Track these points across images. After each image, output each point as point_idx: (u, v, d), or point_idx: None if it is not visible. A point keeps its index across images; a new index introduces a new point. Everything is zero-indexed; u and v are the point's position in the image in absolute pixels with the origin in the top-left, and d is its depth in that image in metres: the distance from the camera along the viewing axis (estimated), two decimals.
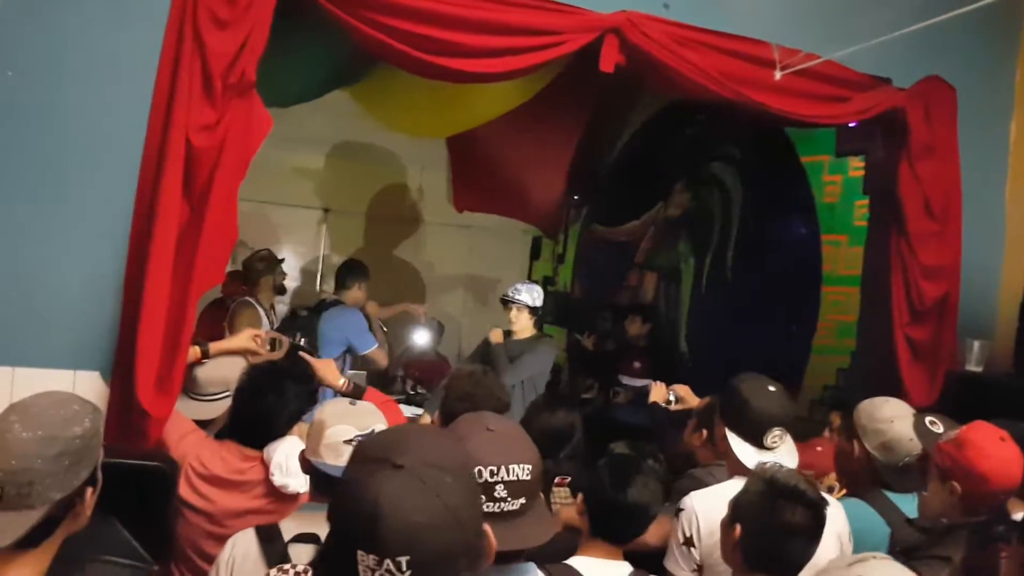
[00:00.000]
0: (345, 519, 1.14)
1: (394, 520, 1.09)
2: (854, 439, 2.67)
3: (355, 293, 5.19)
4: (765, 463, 2.05)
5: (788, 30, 3.41)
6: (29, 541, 1.47)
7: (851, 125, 3.87)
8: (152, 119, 2.68)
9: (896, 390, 3.44)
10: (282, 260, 5.66)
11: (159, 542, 2.27)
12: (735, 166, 5.78)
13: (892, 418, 2.59)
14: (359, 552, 1.10)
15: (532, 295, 4.59)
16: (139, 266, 2.63)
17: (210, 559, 2.16)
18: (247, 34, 2.71)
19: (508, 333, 4.67)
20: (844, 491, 2.99)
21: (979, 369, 3.61)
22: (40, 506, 1.46)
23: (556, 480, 2.96)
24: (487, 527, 1.25)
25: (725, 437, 2.49)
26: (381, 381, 5.87)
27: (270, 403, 2.46)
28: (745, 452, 2.42)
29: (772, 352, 4.94)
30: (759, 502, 1.91)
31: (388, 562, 1.08)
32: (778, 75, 3.25)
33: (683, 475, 2.84)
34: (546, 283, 7.30)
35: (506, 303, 4.63)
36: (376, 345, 4.98)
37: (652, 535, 2.26)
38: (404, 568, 1.08)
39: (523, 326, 4.61)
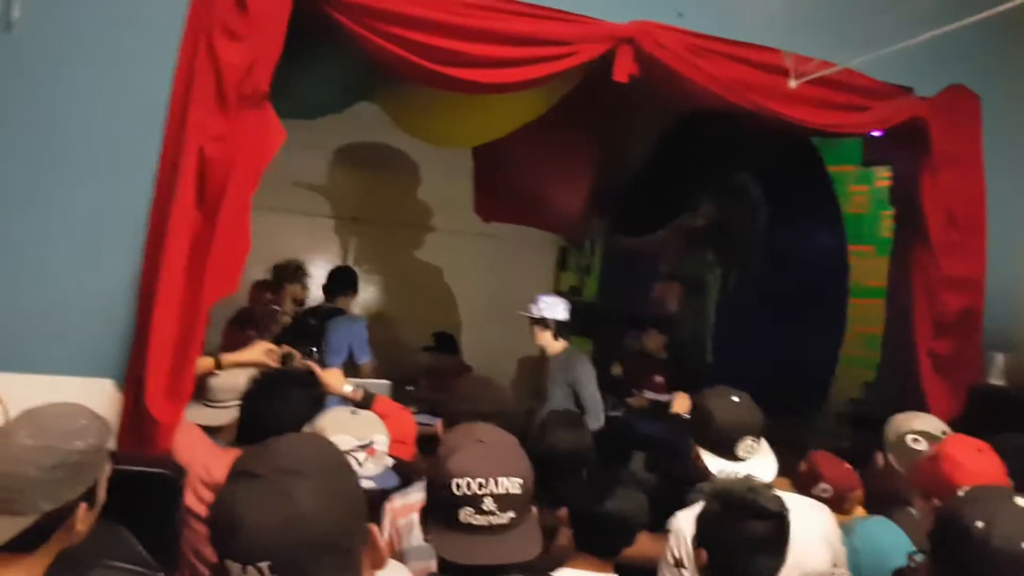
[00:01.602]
0: (212, 531, 1.18)
1: (249, 527, 1.11)
2: (879, 453, 2.63)
3: (349, 300, 5.36)
4: (721, 473, 2.01)
5: (805, 38, 3.37)
6: (21, 546, 1.48)
7: (876, 134, 3.81)
8: (168, 130, 2.72)
9: (919, 404, 3.37)
10: (308, 274, 5.74)
11: (165, 549, 2.30)
12: (761, 176, 5.73)
13: (920, 434, 2.54)
14: (226, 561, 1.13)
15: (538, 306, 4.54)
16: (152, 274, 2.66)
17: (215, 566, 2.17)
18: (260, 47, 2.74)
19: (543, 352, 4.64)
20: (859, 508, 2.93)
21: (1003, 383, 3.52)
22: (28, 514, 1.47)
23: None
24: (372, 526, 1.26)
25: (699, 456, 2.46)
26: (405, 389, 5.91)
27: (275, 409, 2.49)
28: (718, 466, 2.39)
29: (798, 364, 4.88)
30: (717, 523, 1.87)
31: (251, 568, 1.11)
32: (793, 83, 3.21)
33: (694, 489, 2.81)
34: (573, 293, 7.27)
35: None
36: (370, 358, 5.11)
37: (638, 550, 2.21)
38: (267, 572, 1.10)
39: (543, 342, 4.57)
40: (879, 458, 2.64)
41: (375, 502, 2.37)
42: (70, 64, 2.67)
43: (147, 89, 2.71)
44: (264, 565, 1.10)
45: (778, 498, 1.89)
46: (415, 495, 2.31)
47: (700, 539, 1.91)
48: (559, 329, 4.51)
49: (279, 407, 2.53)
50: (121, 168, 2.72)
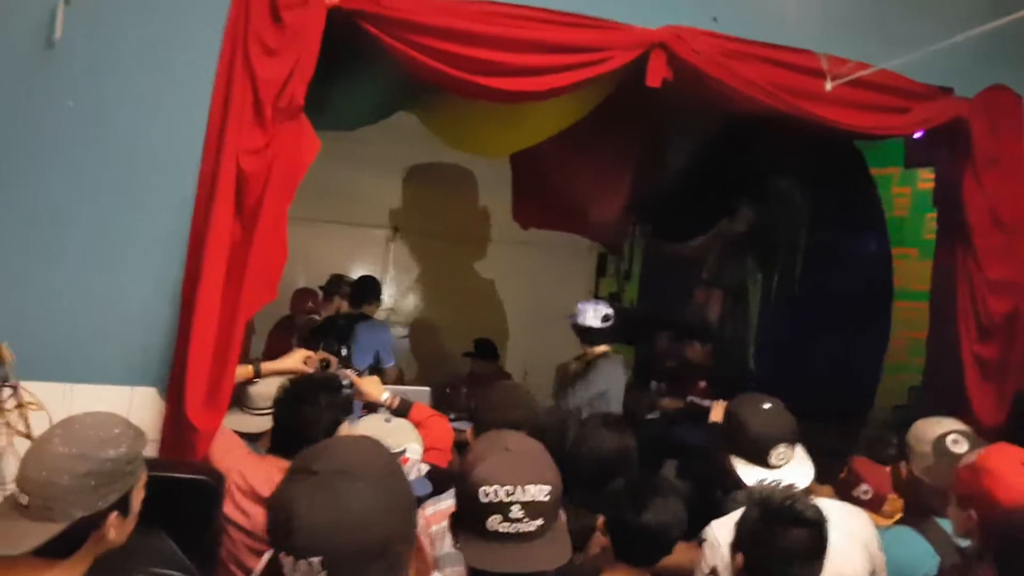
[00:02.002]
0: (270, 524, 1.24)
1: (303, 522, 1.16)
2: (903, 461, 2.58)
3: (373, 308, 5.54)
4: (762, 483, 2.00)
5: (843, 40, 3.33)
6: (55, 552, 1.52)
7: (918, 136, 3.75)
8: (207, 143, 2.77)
9: (964, 409, 3.30)
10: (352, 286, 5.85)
11: (205, 555, 2.34)
12: (802, 179, 5.65)
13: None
14: (280, 554, 1.17)
15: (575, 313, 4.56)
16: (193, 285, 2.71)
17: (250, 571, 2.21)
18: (295, 61, 2.79)
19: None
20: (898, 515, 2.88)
21: None
22: (61, 520, 1.51)
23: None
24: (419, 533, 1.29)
25: (732, 465, 2.44)
26: (443, 397, 5.95)
27: (305, 414, 2.54)
28: (751, 475, 2.37)
29: (843, 371, 4.80)
30: (755, 528, 1.87)
31: (303, 562, 1.15)
32: (829, 86, 3.17)
33: (728, 498, 2.78)
34: (612, 300, 7.24)
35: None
36: (393, 363, 5.32)
37: (676, 559, 2.21)
38: (319, 568, 1.14)
39: (585, 348, 4.60)
40: (901, 467, 2.59)
41: None
42: (111, 81, 2.74)
43: (187, 104, 2.77)
44: (316, 560, 1.14)
45: (816, 507, 1.89)
46: (448, 502, 2.32)
47: (738, 545, 1.91)
48: (592, 336, 4.54)
49: (309, 413, 2.59)
50: (162, 181, 2.79)
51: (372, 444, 1.34)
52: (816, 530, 1.84)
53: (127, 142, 2.76)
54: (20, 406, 2.46)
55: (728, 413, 2.53)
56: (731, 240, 6.33)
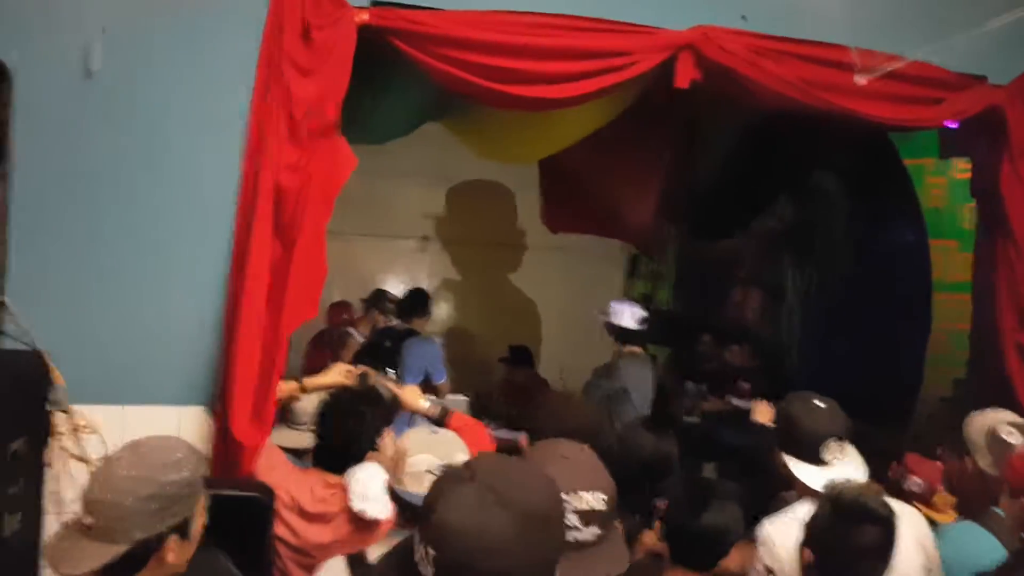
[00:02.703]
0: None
1: (439, 517, 1.16)
2: (965, 455, 2.55)
3: (423, 322, 5.53)
4: (833, 481, 2.00)
5: (871, 32, 3.29)
6: (115, 573, 1.55)
7: (952, 126, 3.71)
8: (245, 165, 2.81)
9: (1010, 401, 3.25)
10: (392, 301, 5.88)
11: (258, 571, 2.37)
12: (837, 174, 5.61)
13: None
14: (417, 528, 1.20)
15: (608, 312, 4.61)
16: (236, 303, 2.75)
17: None
18: (328, 79, 2.82)
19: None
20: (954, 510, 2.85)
21: None
22: (122, 542, 1.54)
23: (656, 503, 2.92)
24: None
25: (785, 464, 2.43)
26: (480, 403, 5.96)
27: (348, 427, 2.57)
28: (807, 473, 2.37)
29: (886, 366, 4.75)
30: (826, 525, 1.87)
31: (425, 547, 1.16)
32: (860, 79, 3.14)
33: (776, 498, 2.77)
34: (644, 301, 7.22)
35: None
36: (445, 378, 5.27)
37: (732, 561, 2.21)
38: (431, 562, 1.14)
39: (617, 347, 4.64)
40: (968, 462, 2.56)
41: None
42: (150, 108, 2.78)
43: (224, 126, 2.81)
44: (432, 553, 1.14)
45: (887, 503, 1.90)
46: None
47: (807, 541, 1.91)
48: (625, 336, 4.58)
49: (351, 426, 2.61)
50: (203, 203, 2.83)
51: (550, 488, 1.28)
52: (887, 526, 1.84)
53: (167, 167, 2.81)
54: (75, 430, 2.51)
55: (780, 411, 2.52)
56: (767, 238, 6.29)
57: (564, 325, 7.54)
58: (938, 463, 3.14)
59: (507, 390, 6.52)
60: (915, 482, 2.98)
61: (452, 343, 7.66)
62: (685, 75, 3.12)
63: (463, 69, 2.97)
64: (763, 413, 3.65)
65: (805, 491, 2.33)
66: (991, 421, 2.49)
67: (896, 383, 4.79)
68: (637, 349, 4.66)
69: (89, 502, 1.57)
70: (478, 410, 5.81)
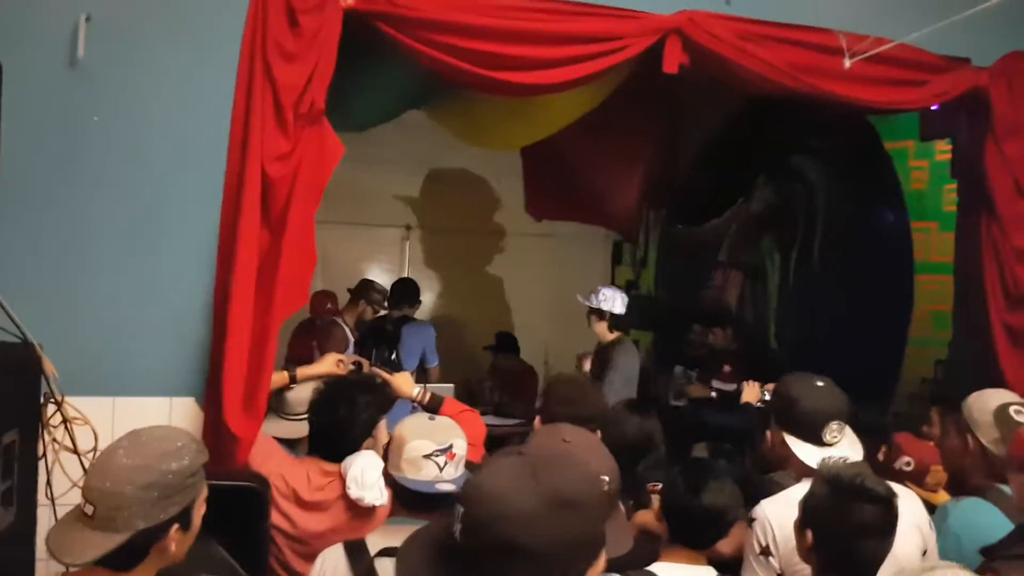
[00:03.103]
0: None
1: (478, 477, 1.23)
2: (967, 434, 2.58)
3: (413, 310, 5.75)
4: (828, 459, 2.01)
5: (856, 15, 3.33)
6: (119, 563, 1.55)
7: (934, 108, 3.74)
8: (231, 153, 2.79)
9: (996, 380, 3.29)
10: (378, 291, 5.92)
11: (255, 561, 2.36)
12: (817, 158, 5.65)
13: None
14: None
15: (597, 297, 4.70)
16: (225, 293, 2.74)
17: None
18: (314, 65, 2.80)
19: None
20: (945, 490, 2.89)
21: None
22: (124, 531, 1.52)
23: (649, 487, 2.94)
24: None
25: (783, 442, 2.45)
26: (468, 391, 5.98)
27: (342, 415, 2.56)
28: (806, 452, 2.38)
29: (866, 346, 4.80)
30: (826, 505, 1.87)
31: (458, 505, 1.21)
32: (847, 63, 3.16)
33: (766, 479, 2.79)
34: (629, 287, 7.25)
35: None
36: (438, 363, 5.51)
37: (730, 541, 2.23)
38: (459, 519, 1.19)
39: (598, 331, 4.77)
40: (970, 440, 2.59)
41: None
42: (135, 95, 2.76)
43: (209, 114, 2.78)
44: (460, 509, 1.19)
45: (885, 483, 1.90)
46: None
47: (806, 522, 1.91)
48: (613, 321, 4.69)
49: (346, 413, 2.60)
50: (189, 192, 2.81)
51: (590, 481, 1.31)
52: (887, 506, 1.84)
53: (152, 155, 2.79)
54: (65, 421, 2.48)
55: (780, 390, 2.53)
56: (747, 221, 6.33)
57: (549, 312, 7.55)
58: (930, 443, 3.19)
59: (495, 377, 6.55)
60: (906, 461, 3.02)
61: (437, 332, 7.66)
62: (673, 60, 3.13)
63: (451, 55, 2.96)
64: (752, 393, 3.69)
65: (803, 471, 2.34)
66: (997, 401, 2.53)
67: (877, 364, 4.85)
68: (619, 334, 4.78)
69: (89, 490, 1.56)
70: (466, 397, 5.83)
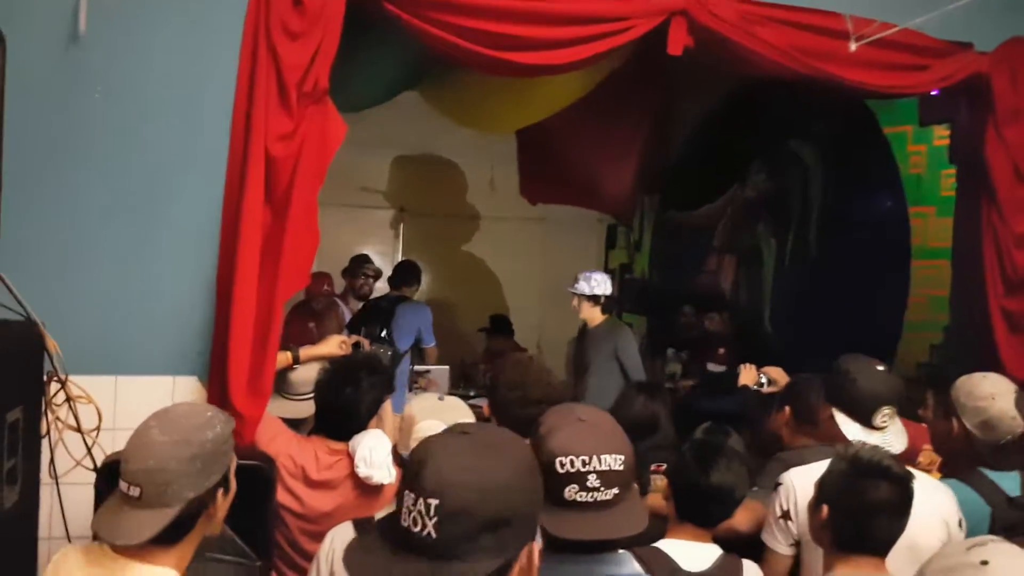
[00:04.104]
0: (406, 469, 1.25)
1: (438, 464, 1.16)
2: (952, 417, 2.60)
3: (413, 291, 5.77)
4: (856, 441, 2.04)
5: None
6: (168, 538, 1.61)
7: (934, 93, 3.75)
8: (234, 132, 2.76)
9: (993, 365, 3.31)
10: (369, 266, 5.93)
11: (261, 539, 2.36)
12: (814, 141, 5.65)
13: (993, 395, 2.52)
14: (405, 492, 1.17)
15: (590, 283, 4.75)
16: (228, 273, 2.72)
17: (308, 555, 2.24)
18: (318, 43, 2.77)
19: (584, 325, 4.91)
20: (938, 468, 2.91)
21: None
22: (175, 504, 1.59)
23: (652, 467, 2.96)
24: (534, 545, 1.24)
25: (831, 418, 2.47)
26: (464, 374, 5.99)
27: (348, 395, 2.57)
28: (853, 431, 2.42)
29: (862, 331, 4.82)
30: (842, 481, 1.90)
31: (421, 501, 1.14)
32: (853, 46, 3.16)
33: (772, 458, 2.81)
34: (623, 271, 7.26)
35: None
36: (434, 343, 5.51)
37: (740, 520, 2.25)
38: (432, 512, 1.13)
39: (589, 316, 4.81)
40: (954, 424, 2.61)
41: None
42: (136, 71, 2.73)
43: (212, 92, 2.75)
44: (434, 503, 1.13)
45: (903, 465, 1.92)
46: None
47: (822, 498, 1.93)
48: (610, 304, 4.82)
49: (352, 394, 2.61)
50: (191, 170, 2.78)
51: (528, 447, 1.36)
52: (903, 486, 1.86)
53: (155, 132, 2.75)
54: (69, 400, 2.47)
55: (839, 368, 2.54)
56: (742, 205, 6.34)
57: (542, 295, 7.57)
58: (923, 425, 3.21)
59: (489, 360, 6.56)
60: None
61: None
62: (677, 41, 3.11)
63: (455, 34, 2.94)
64: (748, 376, 3.71)
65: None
66: (985, 385, 2.55)
67: (872, 348, 4.87)
68: (607, 316, 4.89)
69: (132, 473, 1.60)
70: (460, 379, 5.85)
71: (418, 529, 1.13)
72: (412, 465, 1.21)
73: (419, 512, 1.14)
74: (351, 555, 1.26)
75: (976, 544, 1.32)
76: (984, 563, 1.24)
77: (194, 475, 1.61)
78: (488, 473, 1.17)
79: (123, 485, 1.61)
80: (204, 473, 1.63)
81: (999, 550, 1.30)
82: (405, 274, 5.78)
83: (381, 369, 2.77)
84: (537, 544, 1.23)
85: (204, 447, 1.64)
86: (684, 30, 3.13)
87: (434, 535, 1.12)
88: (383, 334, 4.99)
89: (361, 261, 5.99)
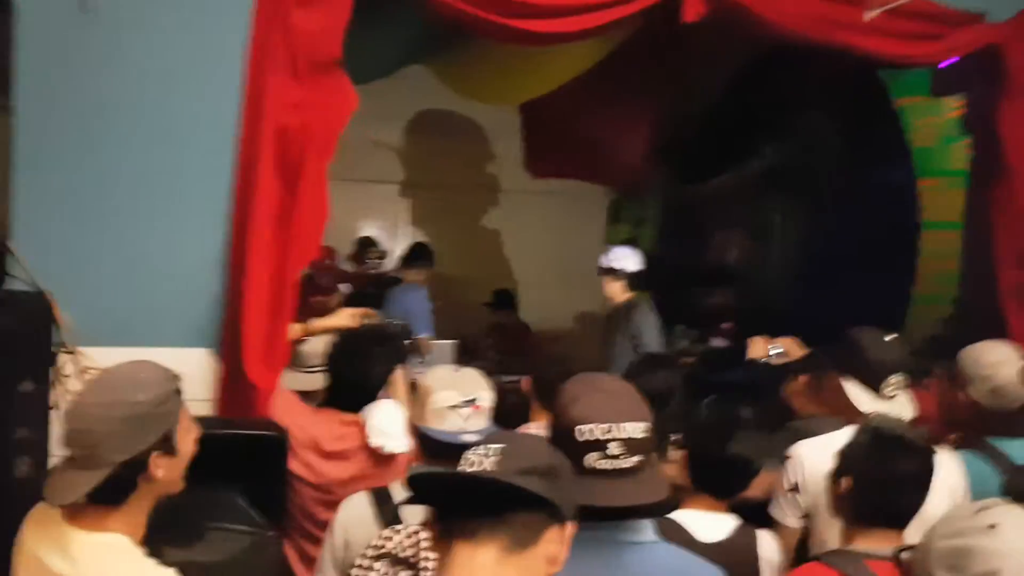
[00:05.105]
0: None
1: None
2: (959, 387, 2.61)
3: (416, 274, 5.55)
4: (876, 412, 2.03)
5: None
6: (109, 498, 1.59)
7: (945, 64, 3.71)
8: (245, 102, 2.74)
9: (1002, 336, 3.31)
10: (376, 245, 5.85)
11: (274, 509, 2.36)
12: (825, 113, 5.60)
13: (999, 362, 2.54)
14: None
15: (610, 257, 4.69)
16: (240, 244, 2.72)
17: (323, 524, 2.24)
18: (331, 12, 2.74)
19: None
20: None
21: None
22: (104, 466, 1.55)
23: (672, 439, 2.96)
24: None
25: (840, 387, 2.47)
26: (466, 347, 5.97)
27: (358, 367, 2.58)
28: (863, 400, 2.41)
29: (870, 303, 4.80)
30: (866, 453, 1.89)
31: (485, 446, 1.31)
32: (868, 15, 3.13)
33: (781, 429, 2.81)
34: (629, 245, 7.23)
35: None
36: (428, 334, 5.20)
37: (756, 488, 2.25)
38: (491, 455, 1.28)
39: (610, 292, 4.72)
40: (961, 395, 2.62)
41: None
42: (147, 42, 2.70)
43: (223, 61, 2.73)
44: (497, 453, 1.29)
45: (925, 438, 1.93)
46: None
47: (844, 469, 1.92)
48: (630, 280, 4.65)
49: (362, 366, 2.61)
50: (203, 143, 2.76)
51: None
52: (926, 459, 1.87)
53: (166, 103, 2.72)
54: (81, 372, 2.46)
55: (849, 338, 2.55)
56: (752, 179, 6.30)
57: (546, 269, 7.55)
58: (933, 397, 3.21)
59: (492, 335, 6.55)
60: None
61: (433, 288, 7.64)
62: (692, 8, 3.07)
63: (467, 2, 2.90)
64: (758, 349, 3.70)
65: (854, 419, 2.32)
66: (994, 355, 2.55)
67: (881, 320, 4.86)
68: (631, 294, 4.76)
69: (65, 434, 1.60)
70: (464, 354, 5.84)
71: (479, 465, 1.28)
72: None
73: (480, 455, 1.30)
74: None
75: (983, 508, 1.32)
76: (992, 527, 1.24)
77: (122, 438, 1.57)
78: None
79: (62, 445, 1.62)
80: (135, 436, 1.58)
81: (1006, 513, 1.29)
82: (410, 255, 5.67)
83: (390, 340, 2.77)
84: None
85: (134, 408, 1.58)
86: None
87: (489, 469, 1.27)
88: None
89: (366, 244, 5.91)
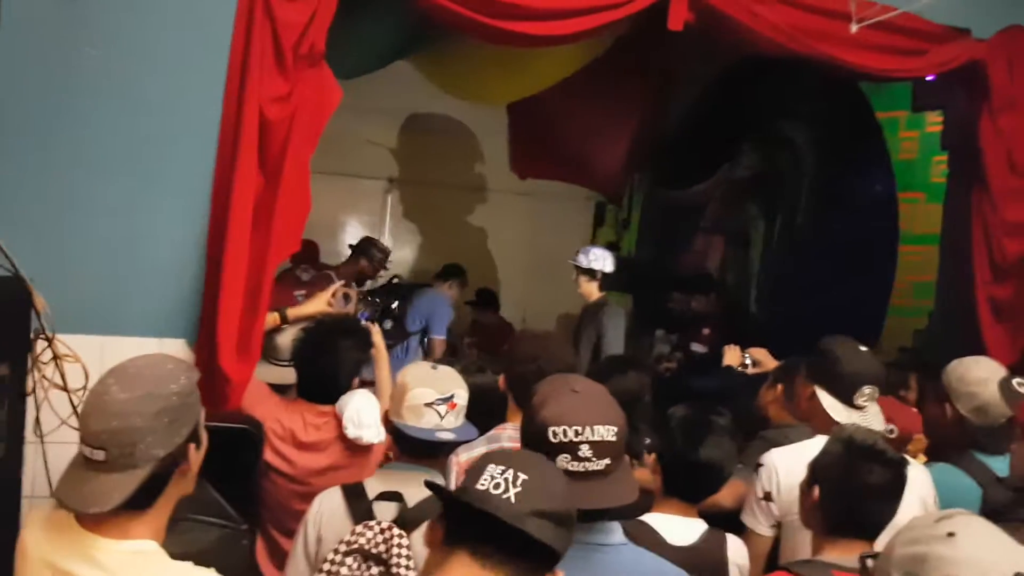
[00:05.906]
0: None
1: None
2: (944, 402, 2.63)
3: (449, 287, 6.02)
4: (848, 423, 2.05)
5: None
6: (141, 502, 1.47)
7: (928, 79, 3.75)
8: (227, 92, 2.72)
9: (977, 350, 3.34)
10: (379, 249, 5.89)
11: (248, 502, 2.36)
12: (806, 124, 5.65)
13: (985, 379, 2.55)
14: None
15: (588, 257, 4.71)
16: (219, 236, 2.69)
17: (298, 516, 2.23)
18: (316, 5, 2.72)
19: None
20: (924, 455, 2.94)
21: None
22: (145, 465, 1.45)
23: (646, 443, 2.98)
24: None
25: (813, 396, 2.49)
26: (449, 346, 5.98)
27: (327, 360, 2.58)
28: (835, 409, 2.43)
29: (846, 314, 4.84)
30: (837, 463, 1.90)
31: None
32: (854, 28, 3.15)
33: (755, 437, 2.83)
34: (610, 249, 7.25)
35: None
36: (443, 338, 5.59)
37: (726, 496, 2.27)
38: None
39: (586, 291, 4.75)
40: (947, 408, 2.64)
41: None
42: (131, 28, 2.67)
43: (207, 51, 2.70)
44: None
45: (898, 450, 1.94)
46: (479, 449, 2.36)
47: (815, 479, 1.94)
48: (603, 281, 4.70)
49: (330, 360, 2.63)
50: (185, 132, 2.73)
51: None
52: (897, 470, 1.88)
53: (148, 90, 2.70)
54: (56, 358, 2.45)
55: (823, 348, 2.57)
56: (733, 186, 6.34)
57: (529, 270, 7.56)
58: (914, 410, 3.24)
59: (474, 333, 6.56)
60: (889, 429, 3.06)
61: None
62: (678, 17, 3.09)
63: (458, 2, 2.90)
64: (733, 357, 3.73)
65: (826, 428, 2.35)
66: (976, 370, 2.57)
67: (857, 331, 4.90)
68: (603, 294, 4.80)
69: (94, 435, 1.46)
70: (446, 352, 5.84)
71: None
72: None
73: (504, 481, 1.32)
74: None
75: (944, 517, 1.33)
76: (951, 535, 1.26)
77: (162, 431, 1.47)
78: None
79: (85, 449, 1.46)
80: (173, 428, 1.49)
81: (966, 522, 1.31)
82: (446, 271, 6.14)
83: (356, 330, 2.76)
84: None
85: (170, 400, 1.50)
86: (685, 5, 3.11)
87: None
88: (393, 306, 5.04)
89: (371, 243, 5.89)
